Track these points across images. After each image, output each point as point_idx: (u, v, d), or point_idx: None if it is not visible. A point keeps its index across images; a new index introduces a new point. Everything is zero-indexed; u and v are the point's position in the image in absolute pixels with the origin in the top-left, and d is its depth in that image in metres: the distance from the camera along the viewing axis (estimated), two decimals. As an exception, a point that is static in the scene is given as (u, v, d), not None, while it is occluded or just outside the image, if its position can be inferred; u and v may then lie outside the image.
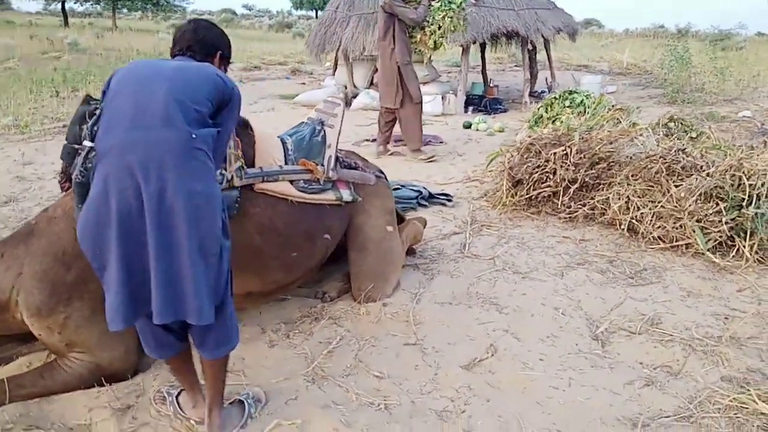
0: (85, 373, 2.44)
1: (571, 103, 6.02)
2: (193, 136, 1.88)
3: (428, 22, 6.11)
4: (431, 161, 6.16)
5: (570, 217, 4.35)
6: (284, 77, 13.12)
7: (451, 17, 6.20)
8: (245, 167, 2.72)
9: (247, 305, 3.02)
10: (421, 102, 6.17)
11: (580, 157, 4.31)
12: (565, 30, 10.19)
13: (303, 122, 3.25)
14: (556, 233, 4.22)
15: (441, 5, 6.19)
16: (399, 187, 4.78)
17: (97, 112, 2.11)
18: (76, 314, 2.39)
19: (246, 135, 2.85)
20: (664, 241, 3.84)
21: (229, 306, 2.11)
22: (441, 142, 6.89)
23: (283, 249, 2.81)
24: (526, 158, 4.48)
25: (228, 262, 2.04)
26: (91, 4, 38.42)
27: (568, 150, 4.31)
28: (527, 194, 4.47)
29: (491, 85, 10.51)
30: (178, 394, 2.39)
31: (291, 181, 2.88)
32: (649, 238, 3.90)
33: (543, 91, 10.68)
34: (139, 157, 1.82)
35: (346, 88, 9.87)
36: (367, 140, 6.98)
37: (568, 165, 4.27)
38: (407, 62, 6.01)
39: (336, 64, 10.59)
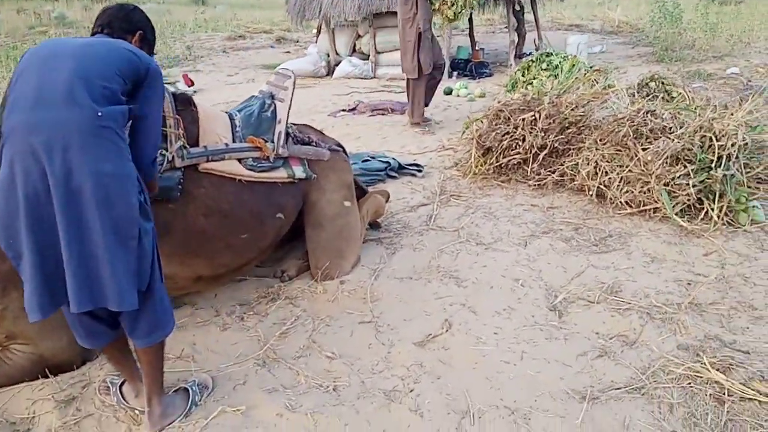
0: (28, 365, 2.40)
1: (548, 65, 5.87)
2: (99, 113, 1.80)
3: None
4: (426, 134, 6.01)
5: (539, 185, 4.28)
6: (269, 46, 12.89)
7: None
8: (188, 147, 2.64)
9: (201, 288, 2.97)
10: (431, 73, 5.89)
11: (549, 123, 4.22)
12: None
13: (253, 96, 3.15)
14: (524, 201, 4.15)
15: None
16: (368, 159, 4.70)
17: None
18: (13, 305, 2.33)
19: (188, 112, 2.76)
20: (631, 206, 3.77)
21: (159, 291, 2.05)
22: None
23: (230, 231, 2.74)
24: (496, 125, 4.38)
25: (151, 244, 1.98)
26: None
27: (537, 115, 4.21)
28: (497, 162, 4.39)
29: (477, 48, 10.29)
30: (122, 383, 2.34)
31: (239, 160, 2.80)
32: (617, 204, 3.83)
33: (531, 53, 10.46)
34: (43, 138, 1.75)
35: (329, 56, 9.67)
36: (343, 110, 6.86)
37: (537, 131, 4.17)
38: (427, 29, 5.74)
39: (319, 32, 10.38)
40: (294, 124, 3.26)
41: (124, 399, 2.29)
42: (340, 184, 3.21)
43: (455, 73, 9.38)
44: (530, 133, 4.21)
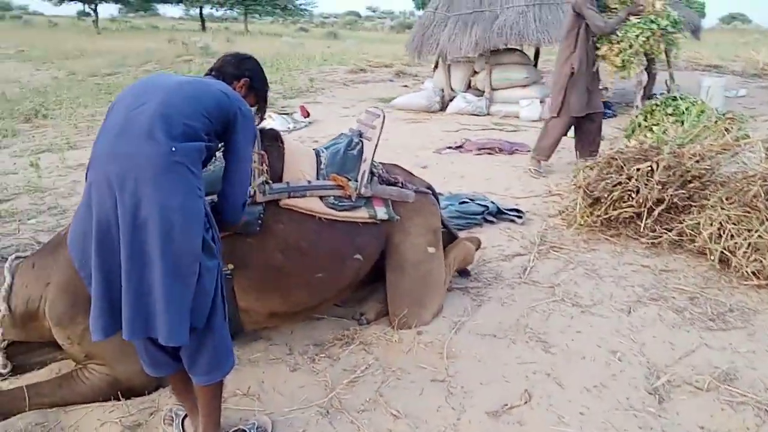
0: (103, 386, 2.45)
1: (674, 110, 5.40)
2: (173, 149, 1.82)
3: (618, 36, 5.44)
4: (535, 176, 5.68)
5: (653, 243, 3.87)
6: (388, 80, 13.10)
7: (647, 37, 5.43)
8: (270, 182, 2.62)
9: (277, 324, 2.93)
10: (577, 117, 5.56)
11: (669, 175, 3.82)
12: (686, 28, 9.26)
13: (342, 134, 3.11)
14: (634, 261, 3.77)
15: (641, 22, 5.43)
16: (466, 201, 4.51)
17: None
18: None
19: (275, 148, 2.76)
20: (759, 278, 3.29)
21: (219, 330, 2.01)
22: (528, 151, 6.48)
23: (307, 268, 2.68)
24: (606, 174, 4.04)
25: (213, 283, 1.94)
26: (226, 10, 40.82)
27: (654, 166, 3.83)
28: (606, 214, 4.04)
29: (600, 87, 9.78)
30: (185, 416, 2.33)
31: (321, 198, 2.75)
32: (743, 273, 3.36)
33: (662, 94, 9.81)
34: (118, 169, 1.79)
35: (443, 91, 9.62)
36: (450, 147, 6.71)
37: (653, 183, 3.79)
38: (582, 72, 5.42)
39: (437, 67, 10.39)
40: (382, 164, 3.17)
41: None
42: (425, 228, 3.06)
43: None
44: (645, 185, 3.83)
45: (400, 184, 3.03)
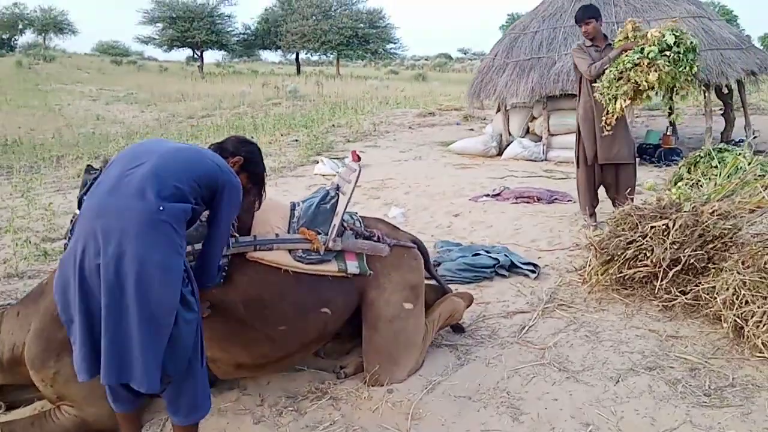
0: (71, 427, 2.58)
1: (720, 162, 5.07)
2: (161, 208, 1.97)
3: (612, 74, 4.70)
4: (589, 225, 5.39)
5: (667, 306, 3.63)
6: (455, 123, 13.16)
7: (649, 69, 4.45)
8: (236, 235, 2.72)
9: (246, 375, 2.98)
10: (594, 165, 5.28)
11: (686, 234, 3.59)
12: (761, 71, 8.71)
13: (321, 187, 3.18)
14: (642, 324, 3.55)
15: (634, 54, 4.57)
16: (479, 252, 4.43)
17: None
18: (65, 369, 2.53)
19: (245, 201, 2.86)
20: (769, 351, 3.00)
21: (199, 375, 2.16)
22: (569, 200, 6.28)
23: (268, 322, 2.73)
24: (620, 231, 3.85)
25: (193, 333, 2.08)
26: (320, 55, 42.63)
27: (670, 224, 3.62)
28: (619, 273, 3.84)
29: (668, 133, 9.37)
30: None
31: (290, 251, 2.82)
32: (755, 344, 3.08)
33: (741, 140, 9.23)
34: (105, 223, 1.95)
35: (501, 136, 9.55)
36: (487, 195, 6.62)
37: (668, 243, 3.58)
38: (589, 119, 5.20)
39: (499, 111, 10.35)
40: (363, 218, 3.21)
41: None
42: (402, 285, 3.04)
43: (637, 160, 8.58)
44: (660, 244, 3.62)
45: (375, 238, 3.04)
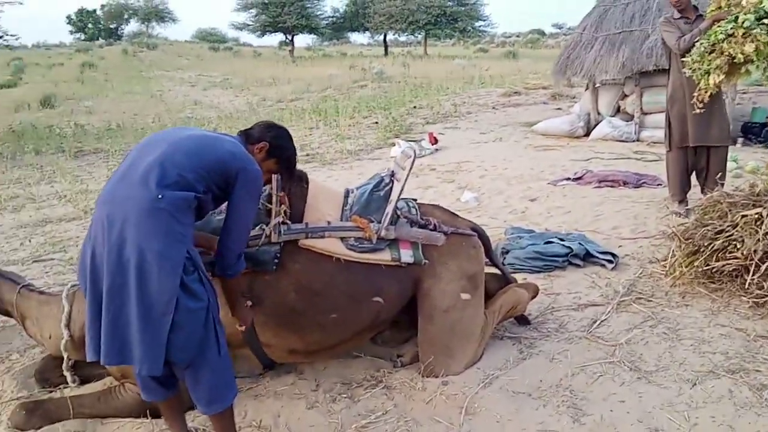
0: (133, 404, 2.68)
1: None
2: (159, 196, 2.00)
3: (703, 46, 4.19)
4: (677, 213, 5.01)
5: (758, 303, 3.29)
6: (542, 102, 12.65)
7: (745, 39, 3.89)
8: (288, 223, 2.71)
9: (300, 360, 2.98)
10: (687, 147, 4.90)
11: (782, 224, 3.23)
12: None
13: (377, 174, 3.10)
14: (729, 322, 3.24)
15: (728, 24, 4.02)
16: (552, 240, 4.21)
17: None
18: None
19: (298, 189, 2.85)
20: None
21: (214, 364, 2.17)
22: (658, 185, 5.85)
23: (319, 309, 2.72)
24: (708, 220, 3.53)
25: (200, 322, 2.08)
26: (408, 35, 42.40)
27: (764, 213, 3.27)
28: (706, 265, 3.52)
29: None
30: None
31: (342, 239, 2.78)
32: None
33: None
34: (111, 210, 2.01)
35: (589, 115, 9.06)
36: (568, 179, 6.29)
37: (761, 233, 3.24)
38: (677, 99, 4.87)
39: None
40: (420, 205, 3.10)
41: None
42: (459, 274, 2.93)
43: (740, 140, 7.91)
44: (752, 235, 3.28)
45: (431, 227, 2.94)
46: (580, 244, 4.13)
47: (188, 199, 2.08)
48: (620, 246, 4.43)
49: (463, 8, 38.75)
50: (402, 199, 3.07)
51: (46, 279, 4.35)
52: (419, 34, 40.68)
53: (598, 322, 3.35)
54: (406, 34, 41.27)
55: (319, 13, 40.97)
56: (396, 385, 2.89)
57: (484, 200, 5.86)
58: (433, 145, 8.20)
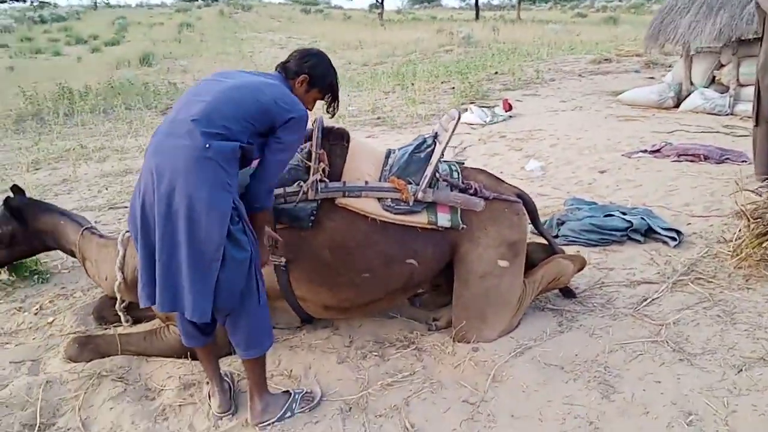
0: (176, 345, 2.83)
1: None
2: (207, 146, 2.05)
3: None
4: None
5: (831, 291, 3.02)
6: (633, 71, 11.94)
7: None
8: (326, 181, 2.74)
9: (335, 316, 3.04)
10: None
11: None
12: None
13: (420, 135, 3.06)
14: (793, 309, 3.00)
15: None
16: (612, 213, 4.02)
17: None
18: None
19: (338, 147, 2.86)
20: None
21: (253, 313, 2.26)
22: (743, 161, 5.42)
23: (351, 268, 2.75)
24: (782, 199, 3.25)
25: (244, 271, 2.16)
26: (501, -1, 41.01)
27: None
28: (777, 248, 3.26)
29: None
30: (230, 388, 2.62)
31: (379, 199, 2.78)
32: None
33: None
34: (160, 161, 2.09)
35: (681, 86, 8.48)
36: (645, 151, 5.93)
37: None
38: (767, 67, 4.56)
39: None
40: (464, 168, 3.04)
41: (209, 396, 2.56)
42: (498, 240, 2.86)
43: None
44: (830, 217, 3.00)
45: (472, 191, 2.88)
46: (642, 218, 3.93)
47: (234, 149, 2.13)
48: (689, 224, 4.18)
49: (560, -30, 36.97)
50: (445, 161, 3.03)
51: (117, 225, 4.64)
52: (513, -4, 39.25)
53: (648, 300, 3.20)
54: (501, -4, 39.95)
55: (411, -25, 40.35)
56: (427, 348, 2.90)
57: (550, 170, 5.66)
58: (507, 111, 7.97)
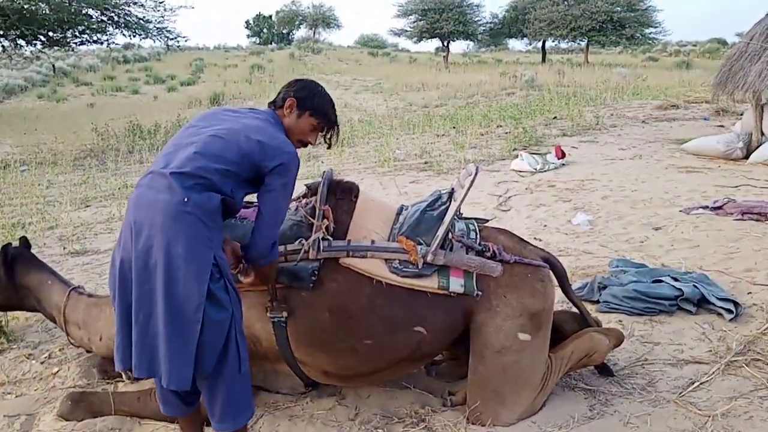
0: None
1: None
2: (185, 199, 1.95)
3: None
4: None
5: None
6: (702, 118, 11.32)
7: None
8: (330, 239, 2.55)
9: (334, 383, 2.79)
10: None
11: None
12: None
13: (437, 190, 2.84)
14: None
15: None
16: (661, 279, 3.64)
17: None
18: None
19: (345, 203, 2.69)
20: None
21: (232, 380, 2.09)
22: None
23: (353, 333, 2.52)
24: None
25: (222, 334, 2.02)
26: (569, 42, 40.57)
27: None
28: None
29: None
30: None
31: (386, 260, 2.56)
32: None
33: None
34: (138, 215, 1.99)
35: (751, 136, 7.92)
36: (705, 207, 5.45)
37: None
38: None
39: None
40: (483, 228, 2.79)
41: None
42: (519, 310, 2.57)
43: None
44: None
45: (490, 254, 2.61)
46: (695, 286, 3.52)
47: (215, 202, 2.02)
48: (749, 293, 3.73)
49: (632, 14, 36.17)
50: (464, 219, 2.80)
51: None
52: (581, 41, 38.69)
53: (695, 384, 2.81)
54: (567, 40, 39.45)
55: (477, 19, 40.44)
56: (437, 428, 2.62)
57: (599, 224, 5.28)
58: (559, 159, 7.61)
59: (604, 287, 3.68)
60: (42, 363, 3.27)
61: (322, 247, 2.51)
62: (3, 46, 13.38)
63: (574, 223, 5.19)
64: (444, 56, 39.90)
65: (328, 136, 2.51)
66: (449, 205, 2.65)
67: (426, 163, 8.15)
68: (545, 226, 5.14)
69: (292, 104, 2.37)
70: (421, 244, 2.55)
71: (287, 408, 2.81)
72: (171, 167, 2.01)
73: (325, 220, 2.57)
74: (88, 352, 3.14)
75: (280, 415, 2.75)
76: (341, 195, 2.70)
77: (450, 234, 2.59)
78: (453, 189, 2.74)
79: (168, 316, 1.90)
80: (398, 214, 2.74)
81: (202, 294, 1.92)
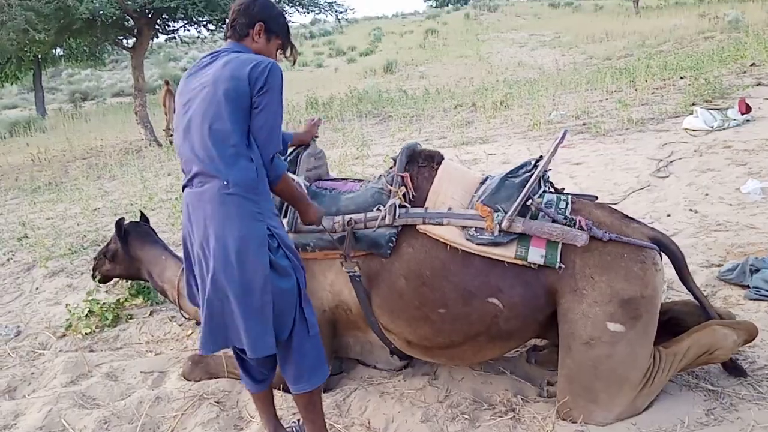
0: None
1: None
2: (225, 182, 1.98)
3: None
4: None
5: None
6: None
7: None
8: (407, 205, 2.52)
9: (417, 355, 2.70)
10: None
11: None
12: None
13: (531, 158, 2.61)
14: None
15: None
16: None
17: None
18: None
19: (426, 170, 2.64)
20: None
21: (303, 344, 2.15)
22: None
23: (427, 301, 2.45)
24: None
25: (291, 300, 2.07)
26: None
27: None
28: None
29: None
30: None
31: (464, 227, 2.43)
32: None
33: None
34: (192, 208, 2.06)
35: None
36: None
37: None
38: None
39: None
40: (576, 200, 2.51)
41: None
42: (608, 295, 2.27)
43: None
44: None
45: (579, 225, 2.32)
46: None
47: (251, 173, 2.01)
48: None
49: None
50: (555, 192, 2.56)
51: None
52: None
53: None
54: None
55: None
56: (526, 420, 2.46)
57: (776, 195, 4.47)
58: (743, 114, 6.50)
59: (757, 270, 3.12)
60: (180, 325, 3.65)
61: (398, 214, 2.48)
62: (200, 33, 14.73)
63: (744, 192, 4.43)
64: (634, 1, 36.34)
65: (289, 53, 2.38)
66: (532, 173, 2.43)
67: (584, 125, 7.52)
68: (706, 195, 4.47)
69: (261, 29, 2.23)
70: (498, 211, 2.37)
71: (380, 384, 2.84)
72: (194, 170, 2.04)
73: (403, 188, 2.54)
74: (197, 324, 3.43)
75: (372, 391, 2.78)
76: (423, 163, 2.65)
77: (531, 202, 2.36)
78: (540, 156, 2.50)
79: (238, 297, 1.97)
80: (482, 183, 2.58)
81: (265, 264, 1.97)
